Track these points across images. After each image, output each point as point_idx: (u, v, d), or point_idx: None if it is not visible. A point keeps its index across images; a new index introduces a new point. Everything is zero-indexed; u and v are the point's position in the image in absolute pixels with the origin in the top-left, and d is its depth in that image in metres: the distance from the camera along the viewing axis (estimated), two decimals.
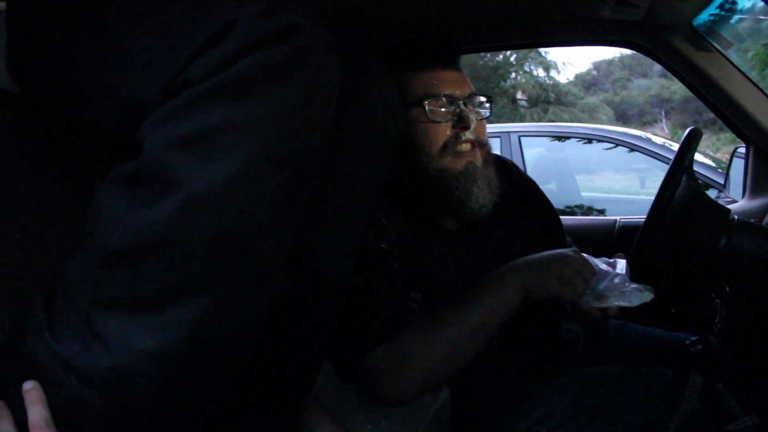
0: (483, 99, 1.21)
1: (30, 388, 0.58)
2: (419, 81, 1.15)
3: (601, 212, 4.20)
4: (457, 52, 1.23)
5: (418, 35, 1.21)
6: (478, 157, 1.15)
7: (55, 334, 0.60)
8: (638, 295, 1.04)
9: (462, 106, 1.13)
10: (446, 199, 1.14)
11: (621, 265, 1.11)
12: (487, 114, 1.21)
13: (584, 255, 1.12)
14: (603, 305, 1.05)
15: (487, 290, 1.05)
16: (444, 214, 1.20)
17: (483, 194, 1.14)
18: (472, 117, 1.13)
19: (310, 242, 0.72)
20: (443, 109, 1.13)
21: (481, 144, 1.16)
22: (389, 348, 1.02)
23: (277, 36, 0.55)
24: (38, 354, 0.60)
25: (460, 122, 1.13)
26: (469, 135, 1.13)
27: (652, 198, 1.16)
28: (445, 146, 1.13)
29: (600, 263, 1.12)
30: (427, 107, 1.12)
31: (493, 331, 1.04)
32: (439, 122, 1.13)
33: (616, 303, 1.05)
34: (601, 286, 1.06)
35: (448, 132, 1.13)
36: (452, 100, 1.14)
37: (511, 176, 1.36)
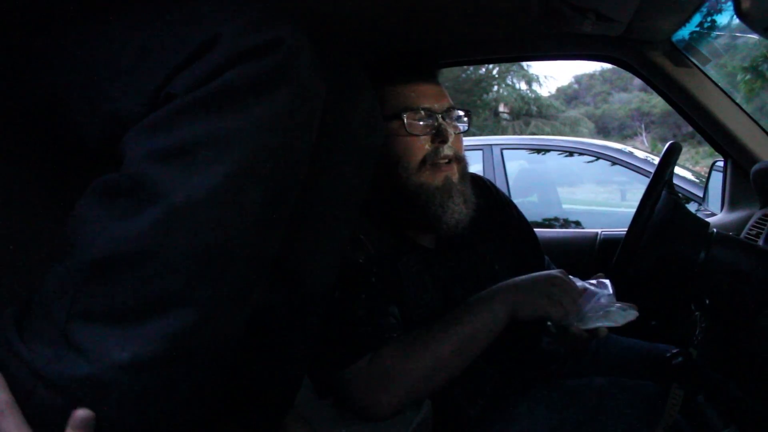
0: (461, 113, 1.21)
1: None
2: (398, 94, 1.15)
3: (578, 224, 4.24)
4: (436, 65, 1.23)
5: (399, 49, 1.21)
6: (455, 172, 1.15)
7: (27, 345, 0.58)
8: (623, 314, 1.04)
9: (440, 120, 1.14)
10: (423, 214, 1.13)
11: (606, 284, 1.12)
12: (465, 128, 1.21)
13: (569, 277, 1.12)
14: (590, 326, 1.05)
15: (475, 310, 1.04)
16: (420, 229, 1.20)
17: (459, 210, 1.13)
18: (450, 131, 1.13)
19: (291, 256, 0.72)
20: (421, 123, 1.13)
21: (458, 159, 1.16)
22: (371, 363, 1.01)
23: (261, 50, 0.55)
24: (8, 365, 0.59)
25: (438, 136, 1.12)
26: (447, 150, 1.13)
27: (633, 210, 1.17)
28: (423, 160, 1.12)
29: (585, 285, 1.12)
30: (405, 120, 1.11)
31: (478, 351, 1.04)
32: (418, 135, 1.12)
33: (602, 324, 1.05)
34: (587, 307, 1.06)
35: (427, 146, 1.13)
36: (430, 114, 1.14)
37: (488, 194, 1.36)
